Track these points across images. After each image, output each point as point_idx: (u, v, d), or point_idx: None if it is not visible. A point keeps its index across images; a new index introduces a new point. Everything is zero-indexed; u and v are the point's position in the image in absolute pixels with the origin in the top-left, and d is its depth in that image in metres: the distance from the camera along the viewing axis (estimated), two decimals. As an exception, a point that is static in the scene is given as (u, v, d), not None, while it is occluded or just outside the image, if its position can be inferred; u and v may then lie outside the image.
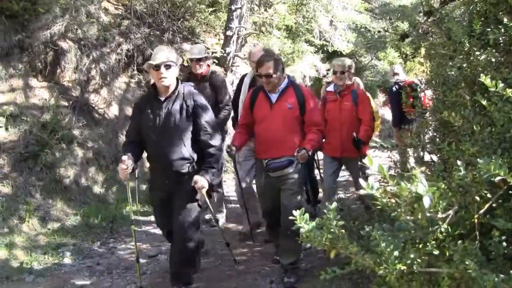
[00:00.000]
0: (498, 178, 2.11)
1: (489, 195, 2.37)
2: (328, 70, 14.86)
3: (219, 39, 13.60)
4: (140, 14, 11.88)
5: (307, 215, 2.30)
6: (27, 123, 8.67)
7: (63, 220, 7.95)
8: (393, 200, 2.17)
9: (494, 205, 2.42)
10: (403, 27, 13.65)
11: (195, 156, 5.13)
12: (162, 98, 5.09)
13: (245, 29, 13.02)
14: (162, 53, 5.06)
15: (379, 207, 2.28)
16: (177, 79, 5.18)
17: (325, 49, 17.37)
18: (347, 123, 6.86)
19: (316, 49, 17.00)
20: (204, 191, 5.04)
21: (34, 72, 9.57)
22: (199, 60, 7.63)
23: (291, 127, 5.44)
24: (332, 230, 2.22)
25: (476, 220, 2.39)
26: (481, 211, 2.38)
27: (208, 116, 5.14)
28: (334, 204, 2.26)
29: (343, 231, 2.25)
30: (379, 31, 19.15)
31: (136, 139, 5.27)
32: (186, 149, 5.05)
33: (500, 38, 3.14)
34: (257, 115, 5.61)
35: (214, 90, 7.56)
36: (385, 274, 2.20)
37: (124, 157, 5.02)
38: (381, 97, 20.74)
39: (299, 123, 5.49)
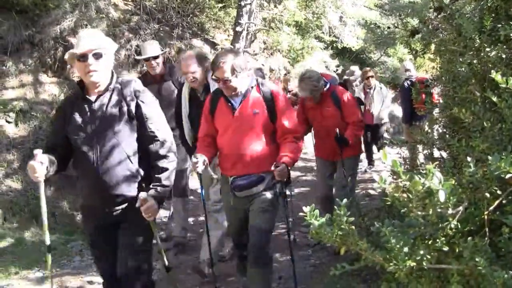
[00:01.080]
0: (509, 175, 2.11)
1: (499, 192, 2.36)
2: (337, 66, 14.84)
3: (228, 35, 13.62)
4: (149, 9, 11.90)
5: (317, 211, 2.30)
6: (37, 118, 8.72)
7: (73, 215, 7.99)
8: (404, 195, 2.17)
9: (504, 201, 2.41)
10: (413, 23, 13.60)
11: (142, 172, 3.87)
12: (93, 98, 3.78)
13: (255, 25, 13.03)
14: (89, 39, 3.68)
15: (388, 203, 2.28)
16: (112, 72, 3.88)
17: (334, 45, 17.35)
18: (333, 131, 6.07)
19: (326, 45, 16.99)
20: (152, 219, 3.82)
21: (44, 67, 9.62)
22: (155, 58, 6.74)
23: (259, 137, 4.56)
24: (342, 226, 2.22)
25: (486, 217, 2.39)
26: (491, 208, 2.38)
27: (156, 117, 3.88)
28: (345, 200, 2.26)
29: (353, 227, 2.26)
30: (388, 27, 19.08)
31: (58, 146, 3.88)
32: (131, 164, 3.80)
33: (511, 34, 3.13)
34: (219, 125, 4.71)
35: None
36: (394, 271, 2.20)
37: (37, 151, 3.61)
38: (391, 94, 20.66)
39: (269, 131, 4.62)
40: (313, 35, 15.91)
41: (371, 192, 9.26)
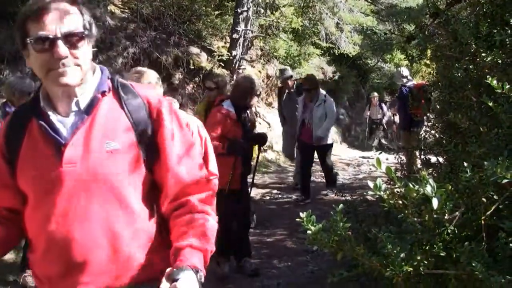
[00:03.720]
0: (505, 180, 2.11)
1: (495, 197, 2.37)
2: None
3: (225, 42, 13.64)
4: (146, 17, 11.91)
5: (313, 217, 2.30)
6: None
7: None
8: (400, 202, 2.17)
9: (500, 206, 2.41)
10: (409, 29, 13.65)
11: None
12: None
13: (252, 32, 13.05)
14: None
15: (385, 208, 2.28)
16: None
17: (331, 51, 17.38)
18: None
19: (323, 52, 17.02)
20: None
21: (41, 76, 9.61)
22: None
23: (123, 205, 1.97)
24: (339, 232, 2.22)
25: (483, 222, 2.39)
26: (488, 213, 2.38)
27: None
28: (341, 206, 2.26)
29: (349, 233, 2.26)
30: (385, 33, 19.12)
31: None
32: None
33: (507, 40, 3.13)
34: (28, 184, 1.99)
35: None
36: (392, 276, 2.20)
37: None
38: (388, 99, 20.72)
39: (146, 191, 2.04)
40: (310, 42, 15.93)
41: (369, 198, 9.23)
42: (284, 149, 11.63)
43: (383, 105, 17.70)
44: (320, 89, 9.24)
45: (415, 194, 2.06)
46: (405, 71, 9.76)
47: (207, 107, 6.23)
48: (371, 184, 2.15)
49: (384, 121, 17.56)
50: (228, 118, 5.48)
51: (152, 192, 2.06)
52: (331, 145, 9.59)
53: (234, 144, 5.41)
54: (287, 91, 10.19)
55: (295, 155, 10.68)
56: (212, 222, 2.06)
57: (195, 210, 2.04)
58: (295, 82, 10.49)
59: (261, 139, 6.18)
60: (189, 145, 2.13)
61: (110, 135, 1.97)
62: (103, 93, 2.03)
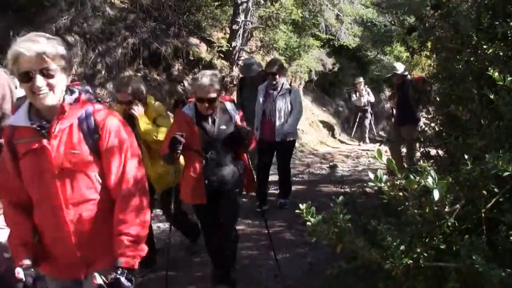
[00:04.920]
0: (506, 173, 2.10)
1: (496, 190, 2.36)
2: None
3: (225, 33, 13.60)
4: (146, 8, 11.86)
5: (313, 209, 2.29)
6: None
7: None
8: (401, 194, 2.16)
9: (501, 199, 2.40)
10: (409, 21, 13.63)
11: None
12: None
13: (251, 23, 13.01)
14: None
15: (385, 201, 2.27)
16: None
17: (331, 43, 17.34)
18: None
19: (322, 44, 16.97)
20: None
21: (40, 66, 9.59)
22: None
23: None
24: (338, 224, 2.21)
25: (483, 215, 2.39)
26: (488, 206, 2.37)
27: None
28: (341, 198, 2.25)
29: (349, 225, 2.25)
30: (385, 25, 19.14)
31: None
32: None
33: (509, 32, 3.12)
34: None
35: None
36: (391, 268, 2.20)
37: None
38: (387, 92, 20.71)
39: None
40: (309, 33, 15.87)
41: (367, 190, 9.22)
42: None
43: (369, 90, 17.02)
44: (285, 78, 8.21)
45: (416, 186, 2.05)
46: (400, 66, 9.66)
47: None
48: (371, 175, 2.14)
49: (369, 109, 16.98)
50: (185, 122, 4.88)
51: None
52: (294, 142, 8.38)
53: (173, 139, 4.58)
54: (251, 85, 8.56)
55: None
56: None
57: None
58: (260, 74, 8.71)
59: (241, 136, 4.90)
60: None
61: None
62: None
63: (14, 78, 4.32)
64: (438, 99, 4.20)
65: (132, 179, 2.70)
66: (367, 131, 16.88)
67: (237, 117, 4.99)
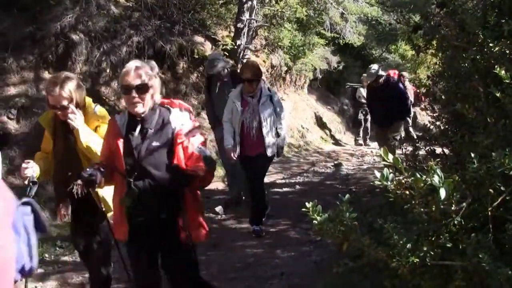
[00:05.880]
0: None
1: (502, 188, 2.35)
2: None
3: (229, 32, 13.59)
4: (150, 6, 11.85)
5: (319, 207, 2.28)
6: (38, 115, 8.69)
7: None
8: (407, 192, 2.16)
9: (507, 198, 2.40)
10: (415, 19, 13.60)
11: None
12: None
13: (256, 21, 12.99)
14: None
15: (391, 199, 2.27)
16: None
17: (336, 41, 17.32)
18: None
19: (327, 42, 16.94)
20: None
21: (45, 64, 9.61)
22: None
23: None
24: (344, 222, 2.21)
25: (489, 213, 2.38)
26: (495, 204, 2.37)
27: None
28: (347, 196, 2.25)
29: (355, 223, 2.24)
30: (390, 24, 19.10)
31: None
32: None
33: (515, 30, 3.11)
34: None
35: None
36: (397, 267, 2.19)
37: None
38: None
39: None
40: (314, 32, 15.84)
41: (375, 187, 9.21)
42: (225, 164, 8.20)
43: None
44: (264, 81, 7.10)
45: (422, 185, 2.05)
46: (376, 66, 9.72)
47: None
48: (378, 174, 2.14)
49: None
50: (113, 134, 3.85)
51: None
52: (273, 158, 7.14)
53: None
54: (219, 83, 7.84)
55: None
56: None
57: None
58: (228, 69, 7.99)
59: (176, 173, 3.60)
60: None
61: None
62: None
63: None
64: (443, 97, 4.18)
65: None
66: (369, 132, 16.72)
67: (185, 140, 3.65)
